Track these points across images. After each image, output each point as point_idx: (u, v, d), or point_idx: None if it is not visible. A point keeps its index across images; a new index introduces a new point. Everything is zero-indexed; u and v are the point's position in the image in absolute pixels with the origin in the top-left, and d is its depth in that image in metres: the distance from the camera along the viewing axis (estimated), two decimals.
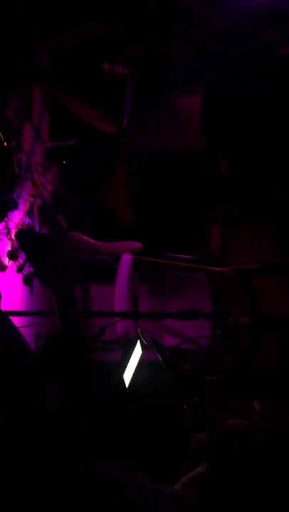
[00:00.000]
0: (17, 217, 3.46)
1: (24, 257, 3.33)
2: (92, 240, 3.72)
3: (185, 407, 2.47)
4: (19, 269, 3.37)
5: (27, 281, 3.42)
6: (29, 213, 3.61)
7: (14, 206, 3.36)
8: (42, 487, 1.64)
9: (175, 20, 3.69)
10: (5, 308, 2.97)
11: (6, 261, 3.33)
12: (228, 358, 3.44)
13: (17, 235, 3.24)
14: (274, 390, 3.05)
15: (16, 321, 2.96)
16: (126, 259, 3.50)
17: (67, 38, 3.54)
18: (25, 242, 3.07)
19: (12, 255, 3.30)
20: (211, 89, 4.11)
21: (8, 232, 3.33)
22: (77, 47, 3.62)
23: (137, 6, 3.51)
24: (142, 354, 2.90)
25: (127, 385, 2.74)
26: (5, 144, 3.22)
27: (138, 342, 2.89)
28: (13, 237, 3.34)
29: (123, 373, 2.74)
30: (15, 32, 3.21)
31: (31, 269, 3.38)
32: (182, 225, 4.21)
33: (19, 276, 3.43)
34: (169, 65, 4.03)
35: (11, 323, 2.79)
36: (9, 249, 3.33)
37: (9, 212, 3.31)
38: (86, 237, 3.73)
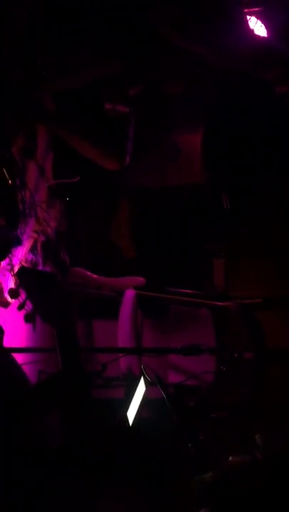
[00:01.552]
0: (21, 254, 3.48)
1: (25, 294, 3.33)
2: (95, 276, 3.73)
3: (190, 445, 2.42)
4: (20, 307, 3.36)
5: (28, 318, 3.41)
6: (33, 249, 3.63)
7: (18, 242, 3.38)
8: None
9: (175, 61, 3.79)
10: (7, 344, 2.96)
11: (10, 297, 3.34)
12: (232, 393, 3.39)
13: (18, 274, 3.25)
14: (279, 426, 2.98)
15: (19, 357, 2.94)
16: (129, 295, 3.50)
17: (70, 80, 3.64)
18: (26, 280, 3.09)
19: (13, 293, 3.30)
20: (212, 126, 4.19)
21: (12, 268, 3.34)
22: (80, 88, 3.72)
23: (136, 48, 3.62)
24: (145, 391, 2.86)
25: (130, 423, 2.69)
26: (9, 181, 3.27)
27: (142, 378, 2.86)
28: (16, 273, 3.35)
29: (127, 411, 2.70)
30: (20, 75, 3.30)
31: (32, 306, 3.38)
32: (185, 259, 4.22)
33: (22, 313, 3.43)
34: (170, 103, 4.13)
35: (12, 360, 2.77)
36: (12, 286, 3.34)
37: (13, 249, 3.34)
38: (89, 273, 3.74)
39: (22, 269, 3.32)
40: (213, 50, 3.69)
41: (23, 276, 3.07)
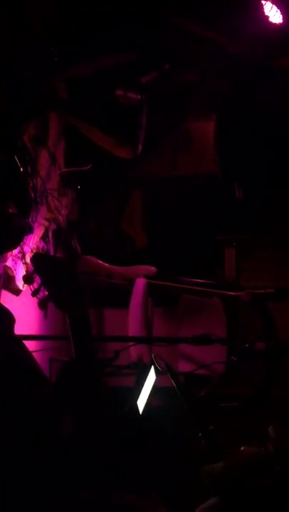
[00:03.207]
0: (32, 242, 3.48)
1: (39, 280, 3.34)
2: (106, 264, 3.72)
3: (200, 435, 2.42)
4: (34, 293, 3.37)
5: (42, 305, 3.42)
6: (44, 237, 3.63)
7: (29, 230, 3.38)
8: None
9: (189, 48, 3.75)
10: (19, 332, 2.97)
11: (21, 285, 3.34)
12: (243, 384, 3.38)
13: (33, 259, 3.25)
14: None
15: (30, 345, 2.95)
16: (140, 284, 3.49)
17: (83, 68, 3.61)
18: (41, 265, 3.08)
19: (28, 279, 3.31)
20: (225, 114, 4.14)
21: (23, 256, 3.35)
22: (93, 75, 3.69)
23: (150, 36, 3.57)
24: (155, 380, 2.86)
25: (140, 412, 2.69)
26: (21, 169, 3.26)
27: (152, 367, 2.86)
28: (27, 261, 3.35)
29: (137, 399, 2.70)
30: (32, 62, 3.28)
31: (46, 293, 3.39)
32: (196, 249, 4.20)
33: (34, 301, 3.44)
34: (183, 90, 4.08)
35: (24, 348, 2.78)
36: (24, 273, 3.34)
37: (25, 237, 3.34)
38: (100, 261, 3.74)
39: (36, 254, 3.32)
40: (229, 36, 3.64)
41: (38, 261, 3.06)
